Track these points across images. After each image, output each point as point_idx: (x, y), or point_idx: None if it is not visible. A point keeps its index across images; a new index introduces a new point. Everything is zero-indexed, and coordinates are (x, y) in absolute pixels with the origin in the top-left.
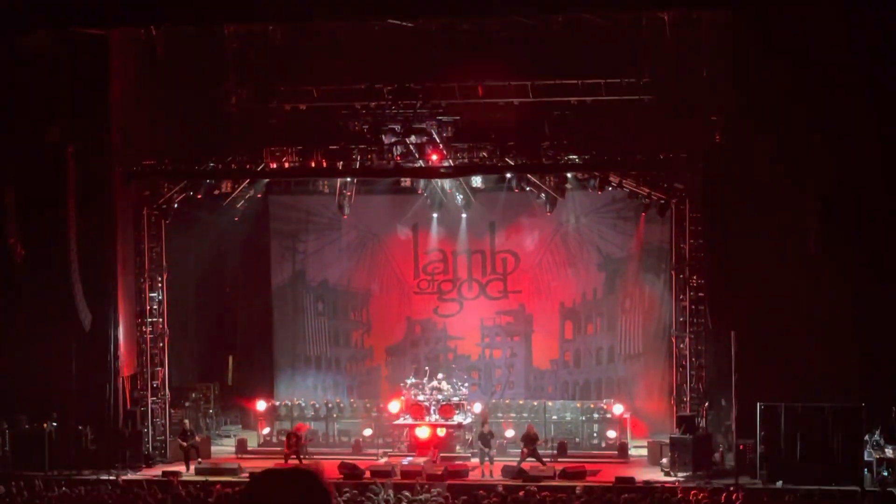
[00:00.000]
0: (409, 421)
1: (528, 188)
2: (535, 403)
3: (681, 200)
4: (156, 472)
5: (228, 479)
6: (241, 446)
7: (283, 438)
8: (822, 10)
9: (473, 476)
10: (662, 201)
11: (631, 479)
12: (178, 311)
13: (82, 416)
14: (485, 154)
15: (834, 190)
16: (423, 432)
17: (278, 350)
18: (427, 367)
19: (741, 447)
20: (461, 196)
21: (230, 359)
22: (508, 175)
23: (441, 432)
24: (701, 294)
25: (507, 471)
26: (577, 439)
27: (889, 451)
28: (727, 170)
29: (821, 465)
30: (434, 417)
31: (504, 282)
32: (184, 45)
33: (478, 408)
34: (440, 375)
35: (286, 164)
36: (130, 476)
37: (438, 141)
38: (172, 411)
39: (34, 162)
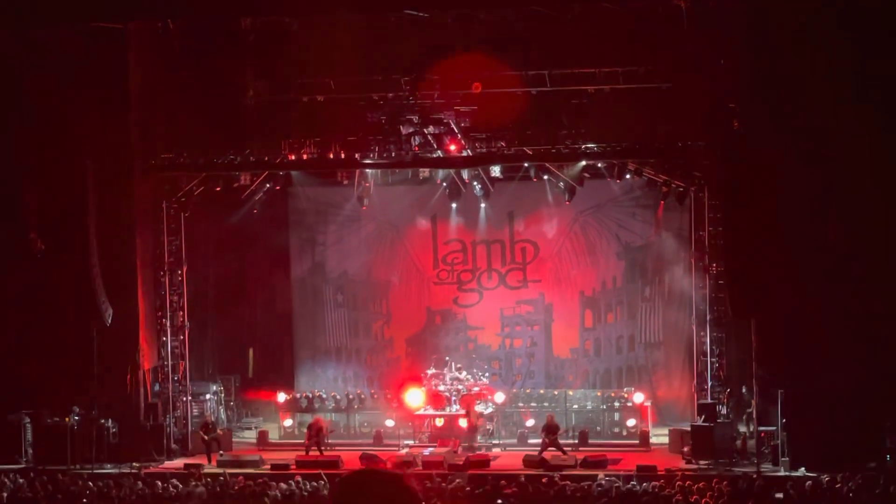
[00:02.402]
0: (430, 412)
1: (546, 177)
2: (556, 392)
3: (699, 188)
4: (177, 464)
5: (250, 472)
6: (263, 438)
7: (305, 430)
8: None
9: (495, 465)
10: (681, 189)
11: (653, 468)
12: (198, 304)
13: (104, 409)
14: (503, 143)
15: (852, 176)
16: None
17: (298, 342)
18: (448, 358)
19: (762, 434)
20: (479, 186)
21: (250, 351)
22: (526, 164)
23: (464, 423)
24: (721, 282)
25: (528, 460)
26: (598, 428)
27: None
28: (745, 157)
29: (842, 452)
30: (455, 408)
31: (523, 271)
32: (201, 38)
33: (500, 397)
34: (454, 366)
35: (304, 156)
36: (152, 469)
37: (456, 131)
38: (194, 404)
39: (54, 158)
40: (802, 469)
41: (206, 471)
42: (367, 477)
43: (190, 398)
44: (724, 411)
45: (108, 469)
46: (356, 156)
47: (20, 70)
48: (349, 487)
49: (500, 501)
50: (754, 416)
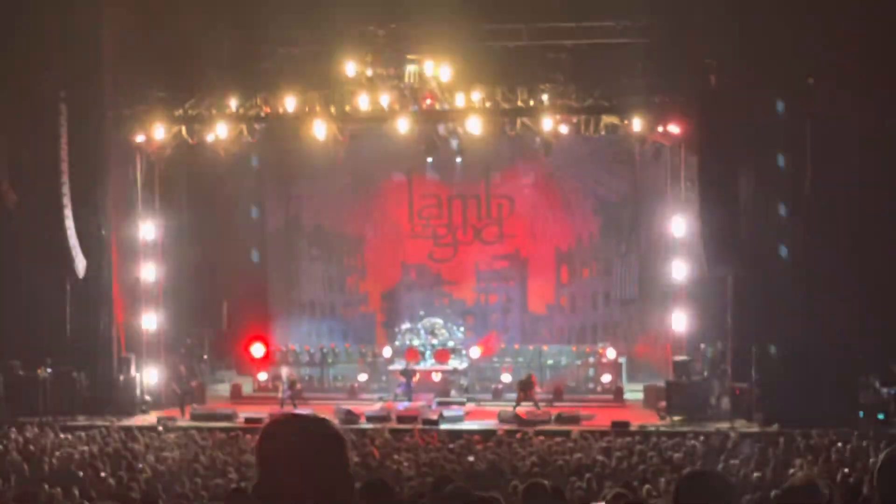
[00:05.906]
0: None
1: (522, 132)
2: (531, 348)
3: (676, 144)
4: (150, 417)
5: (224, 425)
6: (236, 392)
7: (278, 384)
8: None
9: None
10: (657, 145)
11: (626, 424)
12: (173, 257)
13: (76, 362)
14: (480, 97)
15: (829, 132)
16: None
17: (273, 295)
18: (422, 313)
19: (736, 391)
20: (455, 140)
21: (224, 304)
22: (503, 119)
23: (437, 377)
24: (697, 238)
25: (503, 415)
26: (573, 384)
27: (884, 393)
28: (722, 112)
29: (816, 408)
30: (430, 362)
31: (499, 226)
32: None
33: (475, 352)
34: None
35: (279, 109)
36: (125, 422)
37: (433, 84)
38: (167, 357)
39: (27, 108)
40: (775, 425)
41: (178, 424)
42: (291, 421)
43: (163, 351)
44: (698, 367)
45: (81, 422)
46: (331, 108)
47: None
48: (274, 431)
49: (471, 458)
50: (728, 371)
